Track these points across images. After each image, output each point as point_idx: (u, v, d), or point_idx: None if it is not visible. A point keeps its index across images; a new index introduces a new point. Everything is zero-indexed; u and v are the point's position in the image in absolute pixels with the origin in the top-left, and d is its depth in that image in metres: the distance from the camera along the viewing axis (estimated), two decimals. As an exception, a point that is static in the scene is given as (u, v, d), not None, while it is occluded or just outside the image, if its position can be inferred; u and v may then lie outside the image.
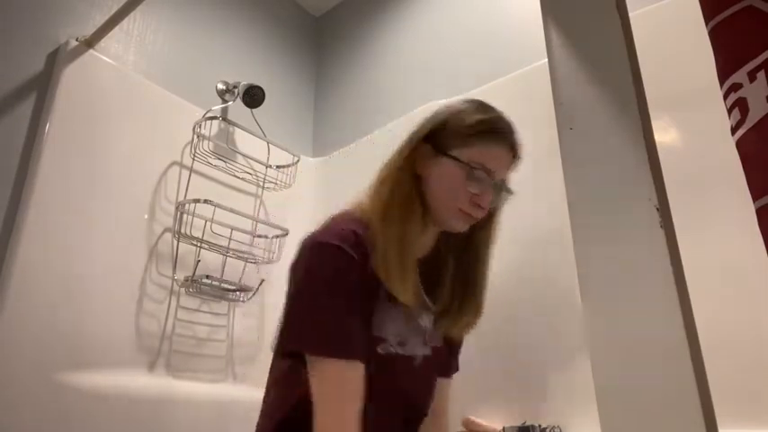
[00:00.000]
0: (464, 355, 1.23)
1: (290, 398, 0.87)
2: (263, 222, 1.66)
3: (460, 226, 0.94)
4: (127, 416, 1.28)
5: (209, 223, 1.48)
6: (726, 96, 0.49)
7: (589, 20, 0.53)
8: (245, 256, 1.58)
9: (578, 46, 0.52)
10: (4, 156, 1.29)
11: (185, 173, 1.57)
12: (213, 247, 1.52)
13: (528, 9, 1.48)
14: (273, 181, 1.74)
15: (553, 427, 1.14)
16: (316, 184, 1.90)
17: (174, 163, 1.56)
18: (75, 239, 1.31)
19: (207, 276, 1.47)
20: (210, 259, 1.54)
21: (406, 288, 0.86)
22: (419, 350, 0.94)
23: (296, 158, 1.78)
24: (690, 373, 0.39)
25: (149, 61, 1.64)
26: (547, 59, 0.55)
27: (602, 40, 0.51)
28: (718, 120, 0.67)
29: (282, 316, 0.84)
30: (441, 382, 1.06)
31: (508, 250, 1.37)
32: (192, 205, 1.47)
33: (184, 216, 1.47)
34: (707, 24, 0.52)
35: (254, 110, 1.75)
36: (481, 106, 0.98)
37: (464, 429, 1.24)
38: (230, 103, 1.75)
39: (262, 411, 0.93)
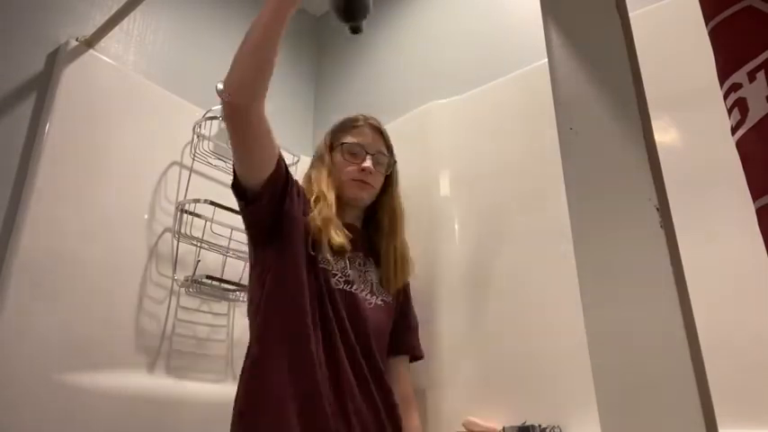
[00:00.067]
0: (464, 356, 1.23)
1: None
2: (263, 222, 1.66)
3: (360, 194, 1.28)
4: (127, 416, 1.28)
5: (209, 223, 1.48)
6: (726, 96, 0.49)
7: (589, 20, 0.53)
8: (245, 256, 1.57)
9: (578, 46, 0.52)
10: (4, 156, 1.29)
11: (185, 173, 1.57)
12: (213, 247, 1.51)
13: (528, 9, 1.48)
14: (273, 181, 1.74)
15: (553, 427, 1.14)
16: (316, 184, 1.90)
17: (174, 163, 1.56)
18: (75, 239, 1.31)
19: (207, 276, 1.47)
20: (210, 259, 1.54)
21: (330, 236, 1.16)
22: (367, 295, 1.22)
23: (296, 158, 1.77)
24: (690, 374, 0.39)
25: (149, 61, 1.64)
26: (547, 59, 0.55)
27: (602, 40, 0.51)
28: (718, 120, 0.67)
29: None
30: (399, 360, 1.29)
31: (507, 250, 1.38)
32: (192, 205, 1.47)
33: (184, 216, 1.47)
34: (707, 24, 0.52)
35: (254, 110, 1.75)
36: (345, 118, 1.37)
37: (464, 429, 1.24)
38: (230, 103, 1.75)
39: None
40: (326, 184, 1.23)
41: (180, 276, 1.48)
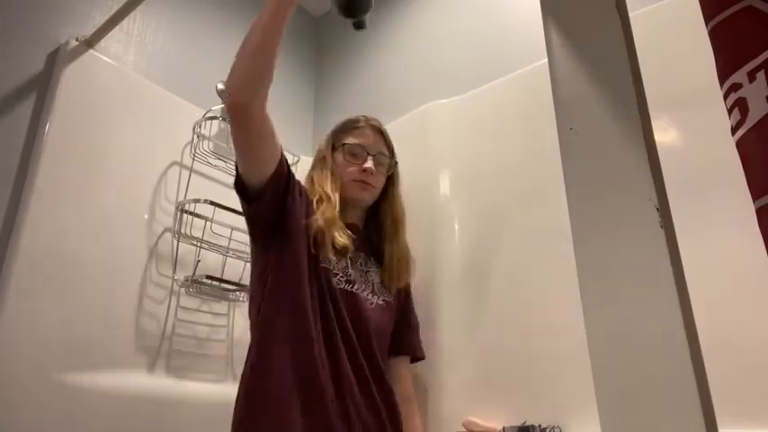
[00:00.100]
0: (464, 356, 1.23)
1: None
2: (263, 222, 1.66)
3: (362, 195, 1.29)
4: (127, 416, 1.28)
5: (209, 223, 1.48)
6: (726, 96, 0.49)
7: (589, 20, 0.53)
8: (245, 256, 1.57)
9: (578, 46, 0.52)
10: (4, 156, 1.29)
11: (185, 173, 1.57)
12: (213, 247, 1.51)
13: (528, 9, 1.48)
14: (273, 181, 1.74)
15: (553, 427, 1.14)
16: (316, 184, 1.90)
17: (174, 163, 1.56)
18: (75, 239, 1.31)
19: (207, 276, 1.47)
20: (210, 259, 1.54)
21: (334, 237, 1.17)
22: (368, 295, 1.22)
23: (296, 158, 1.78)
24: (690, 374, 0.39)
25: (149, 61, 1.64)
26: (547, 59, 0.55)
27: (602, 40, 0.51)
28: (718, 120, 0.67)
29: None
30: (400, 360, 1.29)
31: (507, 250, 1.38)
32: (192, 205, 1.47)
33: (184, 216, 1.47)
34: (707, 24, 0.52)
35: (254, 110, 1.75)
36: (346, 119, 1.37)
37: (464, 429, 1.24)
38: (230, 103, 1.75)
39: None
40: (329, 186, 1.24)
41: (180, 276, 1.48)
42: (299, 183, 1.20)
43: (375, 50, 2.03)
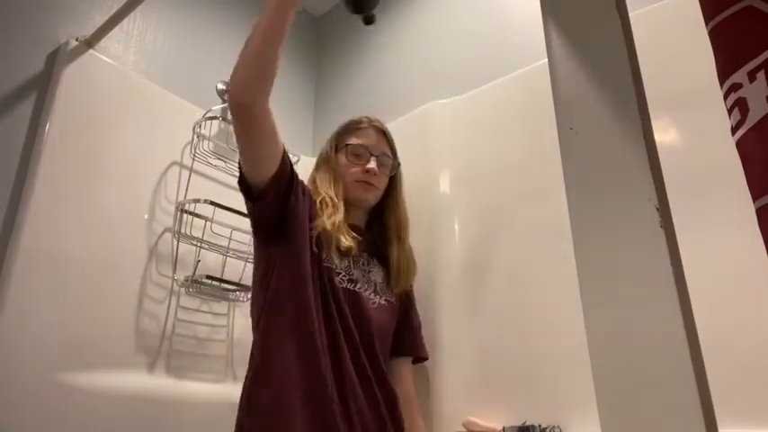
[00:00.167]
0: (464, 356, 1.23)
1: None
2: (263, 222, 1.66)
3: (365, 196, 1.29)
4: (127, 416, 1.28)
5: (209, 223, 1.48)
6: (726, 96, 0.49)
7: (589, 20, 0.53)
8: (245, 256, 1.58)
9: (578, 46, 0.52)
10: (4, 156, 1.29)
11: (185, 173, 1.57)
12: (213, 247, 1.51)
13: (528, 9, 1.48)
14: (273, 181, 1.74)
15: (553, 427, 1.14)
16: (316, 184, 1.90)
17: (174, 163, 1.56)
18: (75, 239, 1.31)
19: (207, 276, 1.47)
20: (210, 259, 1.54)
21: (339, 240, 1.17)
22: (371, 294, 1.23)
23: (296, 158, 1.77)
24: (690, 374, 0.39)
25: (149, 61, 1.64)
26: (547, 59, 0.55)
27: (602, 40, 0.51)
28: (718, 120, 0.67)
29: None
30: (402, 361, 1.29)
31: (507, 249, 1.38)
32: (192, 205, 1.47)
33: (184, 216, 1.47)
34: (707, 24, 0.52)
35: (254, 110, 1.75)
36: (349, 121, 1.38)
37: (464, 429, 1.24)
38: (230, 103, 1.75)
39: None
40: (333, 187, 1.25)
41: (180, 276, 1.48)
42: (302, 182, 1.20)
43: (375, 50, 2.03)
